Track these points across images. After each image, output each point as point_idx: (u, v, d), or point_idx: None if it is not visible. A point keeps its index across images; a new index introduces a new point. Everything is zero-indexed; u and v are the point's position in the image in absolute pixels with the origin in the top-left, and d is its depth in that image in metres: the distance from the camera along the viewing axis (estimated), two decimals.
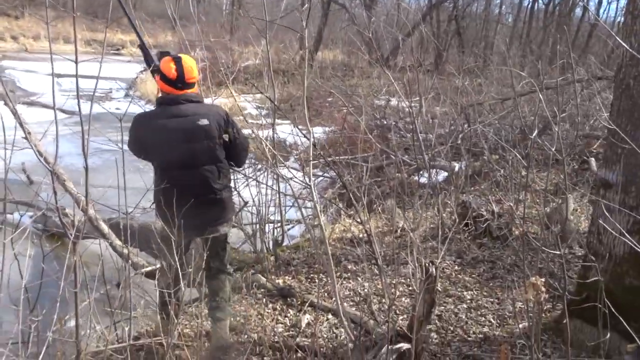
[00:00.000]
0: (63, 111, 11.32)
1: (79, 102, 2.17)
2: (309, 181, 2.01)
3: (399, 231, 3.45)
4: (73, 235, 2.16)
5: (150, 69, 2.47)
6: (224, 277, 2.63)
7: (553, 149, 1.93)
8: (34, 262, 5.00)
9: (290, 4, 21.49)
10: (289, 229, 4.18)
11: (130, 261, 3.55)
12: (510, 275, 3.02)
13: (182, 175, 2.37)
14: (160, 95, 2.50)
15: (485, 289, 2.98)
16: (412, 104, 8.94)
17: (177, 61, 2.37)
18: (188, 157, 2.37)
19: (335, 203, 3.86)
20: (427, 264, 1.81)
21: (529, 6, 23.49)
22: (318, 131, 8.46)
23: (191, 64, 2.41)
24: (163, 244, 2.32)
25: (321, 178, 6.17)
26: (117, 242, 3.62)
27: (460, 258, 3.18)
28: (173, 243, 2.17)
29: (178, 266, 2.13)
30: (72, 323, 2.50)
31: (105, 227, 3.65)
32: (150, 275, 3.39)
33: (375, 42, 17.08)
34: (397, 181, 4.29)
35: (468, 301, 2.90)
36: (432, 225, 3.50)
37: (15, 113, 3.63)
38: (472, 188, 4.31)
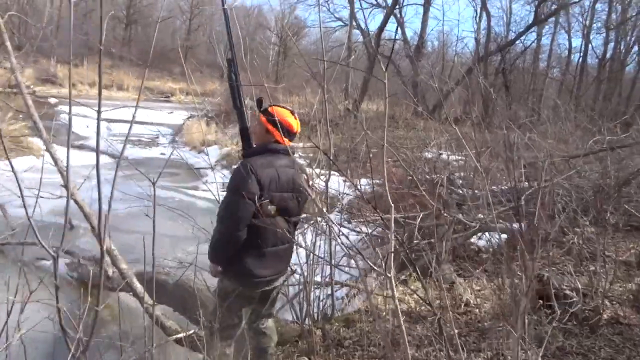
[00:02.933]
0: (111, 155, 11.55)
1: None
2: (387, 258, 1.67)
3: (462, 306, 3.02)
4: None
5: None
6: (274, 326, 2.70)
7: None
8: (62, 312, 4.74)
9: (334, 54, 21.84)
10: (335, 290, 3.80)
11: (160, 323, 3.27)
12: None
13: (278, 223, 2.39)
14: (259, 141, 2.52)
15: None
16: (462, 158, 8.54)
17: (293, 115, 2.49)
18: (291, 206, 2.43)
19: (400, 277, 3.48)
20: None
21: (579, 61, 23.02)
22: (363, 183, 8.16)
23: (297, 119, 2.52)
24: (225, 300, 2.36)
25: (356, 236, 5.72)
26: (150, 302, 3.32)
27: (541, 347, 2.63)
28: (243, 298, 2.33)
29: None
30: None
31: (139, 286, 3.38)
32: (180, 342, 3.08)
33: (421, 93, 16.97)
34: (454, 243, 3.90)
35: None
36: (498, 302, 3.03)
37: (55, 161, 3.50)
38: (538, 255, 3.85)
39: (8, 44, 3.23)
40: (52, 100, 20.95)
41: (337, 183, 6.04)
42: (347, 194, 7.25)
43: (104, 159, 11.12)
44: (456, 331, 2.53)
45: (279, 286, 2.60)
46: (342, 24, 22.62)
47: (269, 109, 2.45)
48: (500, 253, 3.83)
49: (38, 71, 25.32)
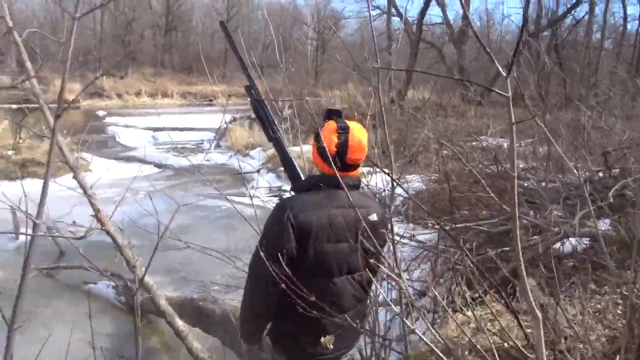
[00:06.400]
0: (156, 165, 11.52)
1: None
2: None
3: (562, 340, 2.50)
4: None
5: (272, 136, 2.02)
6: None
7: None
8: (112, 339, 4.53)
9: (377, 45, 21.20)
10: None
11: None
12: None
13: (336, 285, 1.78)
14: (315, 173, 1.91)
15: None
16: (518, 146, 7.78)
17: (343, 132, 1.77)
18: (353, 260, 1.79)
19: (459, 290, 2.99)
20: None
21: (638, 29, 21.36)
22: (414, 180, 7.66)
23: (360, 138, 1.78)
24: None
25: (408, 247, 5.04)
26: (195, 345, 3.02)
27: None
28: None
29: None
30: None
31: (180, 324, 3.07)
32: None
33: (467, 78, 16.15)
34: (536, 253, 3.39)
35: None
36: (606, 330, 2.51)
37: (85, 190, 3.24)
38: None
39: (28, 64, 2.99)
40: (101, 113, 21.51)
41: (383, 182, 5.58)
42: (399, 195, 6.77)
43: (149, 168, 11.11)
44: None
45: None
46: (380, 12, 22.00)
47: (325, 124, 1.81)
48: (592, 262, 3.29)
49: (85, 85, 26.03)
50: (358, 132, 1.78)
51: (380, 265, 1.70)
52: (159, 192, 9.21)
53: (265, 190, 9.11)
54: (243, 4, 38.20)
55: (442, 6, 20.12)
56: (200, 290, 4.54)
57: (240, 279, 3.64)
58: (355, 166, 1.81)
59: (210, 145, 13.95)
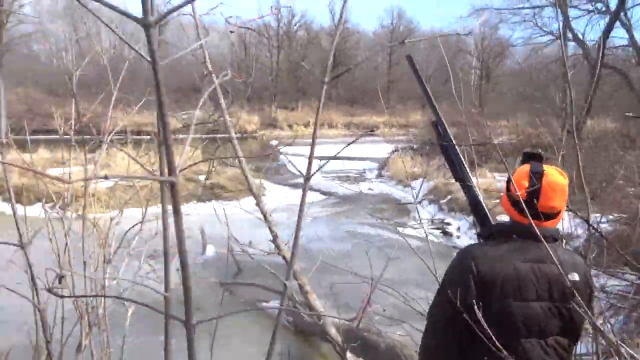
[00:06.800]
0: (322, 192, 12.20)
1: None
2: None
3: None
4: None
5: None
6: None
7: None
8: (280, 359, 4.82)
9: (548, 72, 19.78)
10: None
11: None
12: None
13: (525, 348, 1.54)
14: (508, 220, 1.70)
15: None
16: None
17: (536, 175, 1.58)
18: (546, 322, 1.55)
19: None
20: None
21: None
22: (595, 220, 6.89)
23: (557, 182, 1.58)
24: None
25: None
26: None
27: None
28: None
29: None
30: None
31: (348, 355, 3.18)
32: None
33: None
34: None
35: None
36: None
37: (265, 217, 3.59)
38: None
39: (222, 102, 3.47)
40: (273, 142, 23.62)
41: (570, 223, 5.14)
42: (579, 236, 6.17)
43: (315, 195, 11.82)
44: None
45: None
46: (553, 37, 20.47)
47: (518, 168, 1.66)
48: None
49: (262, 117, 29.11)
50: (554, 177, 1.59)
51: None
52: (325, 218, 9.77)
53: (427, 222, 9.01)
54: (405, 38, 38.88)
55: (629, 27, 18.03)
56: (363, 319, 4.64)
57: (404, 312, 3.65)
58: (551, 215, 1.60)
59: (374, 175, 14.32)
